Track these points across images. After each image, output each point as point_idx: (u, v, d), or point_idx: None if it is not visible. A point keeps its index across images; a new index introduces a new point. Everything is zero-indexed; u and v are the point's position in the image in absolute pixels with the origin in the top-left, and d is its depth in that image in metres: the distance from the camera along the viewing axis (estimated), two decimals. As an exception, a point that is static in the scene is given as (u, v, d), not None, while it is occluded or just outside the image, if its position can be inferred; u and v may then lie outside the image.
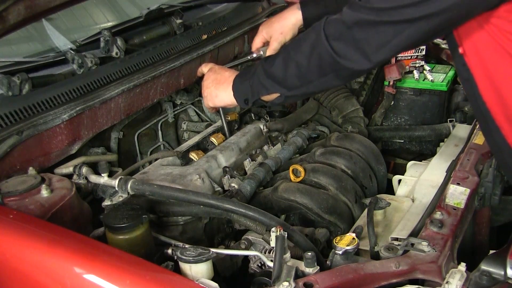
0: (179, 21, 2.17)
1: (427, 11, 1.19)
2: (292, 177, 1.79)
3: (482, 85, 1.34)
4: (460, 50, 1.34)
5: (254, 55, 1.90)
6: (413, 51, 2.46)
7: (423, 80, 2.41)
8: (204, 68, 1.79)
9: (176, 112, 2.21)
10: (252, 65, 1.94)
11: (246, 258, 1.51)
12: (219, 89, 1.66)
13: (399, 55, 2.44)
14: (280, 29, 1.85)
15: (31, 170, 1.52)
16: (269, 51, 1.86)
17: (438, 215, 1.46)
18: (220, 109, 1.99)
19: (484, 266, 1.23)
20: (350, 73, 1.38)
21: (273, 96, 1.53)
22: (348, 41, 1.31)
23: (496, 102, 1.34)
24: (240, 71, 1.65)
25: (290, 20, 1.85)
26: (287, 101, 1.65)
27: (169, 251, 1.32)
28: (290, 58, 1.45)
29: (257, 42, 1.91)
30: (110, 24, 2.25)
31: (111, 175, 1.56)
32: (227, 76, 1.65)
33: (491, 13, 1.21)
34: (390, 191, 1.93)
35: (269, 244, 1.34)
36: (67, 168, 1.61)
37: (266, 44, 1.89)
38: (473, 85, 1.36)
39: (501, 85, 1.30)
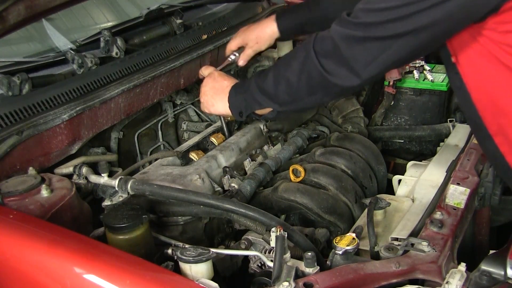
0: (179, 21, 2.17)
1: (414, 26, 1.18)
2: (292, 177, 1.79)
3: (475, 94, 1.34)
4: (453, 59, 1.34)
5: (229, 59, 1.99)
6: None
7: (423, 80, 2.41)
8: (205, 71, 1.80)
9: (176, 112, 2.21)
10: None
11: (246, 258, 1.50)
12: (215, 98, 1.66)
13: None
14: (255, 39, 1.94)
15: (31, 170, 1.52)
16: (243, 56, 1.96)
17: (438, 215, 1.46)
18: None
19: (484, 266, 1.23)
20: (340, 90, 1.37)
21: (266, 110, 1.55)
22: (336, 57, 1.30)
23: (489, 111, 1.34)
24: (236, 83, 1.65)
25: (266, 32, 1.94)
26: (280, 116, 1.66)
27: (169, 251, 1.32)
28: (280, 75, 1.46)
29: (232, 45, 1.99)
30: (110, 24, 2.24)
31: (111, 175, 1.57)
32: (225, 86, 1.65)
33: (481, 25, 1.21)
34: (390, 191, 1.93)
35: (269, 244, 1.34)
36: (67, 168, 1.61)
37: (241, 48, 1.98)
38: (465, 93, 1.36)
39: (494, 94, 1.30)
